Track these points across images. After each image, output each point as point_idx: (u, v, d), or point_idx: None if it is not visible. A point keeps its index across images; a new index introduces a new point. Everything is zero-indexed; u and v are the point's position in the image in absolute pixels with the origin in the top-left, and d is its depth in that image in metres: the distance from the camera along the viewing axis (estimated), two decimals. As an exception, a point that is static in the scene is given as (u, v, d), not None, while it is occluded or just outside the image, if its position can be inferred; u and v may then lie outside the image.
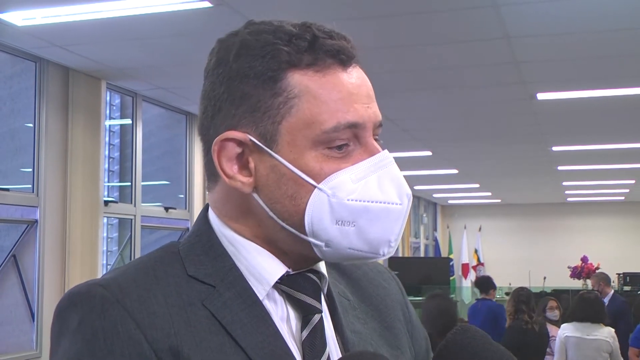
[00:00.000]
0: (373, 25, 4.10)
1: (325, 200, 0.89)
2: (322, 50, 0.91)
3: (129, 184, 6.21)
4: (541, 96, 6.03)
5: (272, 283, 0.94)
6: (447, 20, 4.19)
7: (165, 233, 7.09)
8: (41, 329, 4.92)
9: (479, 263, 17.37)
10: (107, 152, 6.27)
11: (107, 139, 6.36)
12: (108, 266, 6.80)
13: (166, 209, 6.66)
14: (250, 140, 0.91)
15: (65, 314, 0.88)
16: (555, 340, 5.95)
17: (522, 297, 6.10)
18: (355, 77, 0.93)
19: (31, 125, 5.01)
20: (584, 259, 13.19)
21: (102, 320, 0.85)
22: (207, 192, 1.02)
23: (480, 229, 17.51)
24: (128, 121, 6.35)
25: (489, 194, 15.17)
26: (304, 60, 0.90)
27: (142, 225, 6.22)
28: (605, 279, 8.81)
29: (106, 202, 5.59)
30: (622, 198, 15.46)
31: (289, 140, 0.90)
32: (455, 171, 11.07)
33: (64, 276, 5.03)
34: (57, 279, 5.01)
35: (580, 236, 16.26)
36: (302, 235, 0.91)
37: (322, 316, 0.96)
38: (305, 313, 0.95)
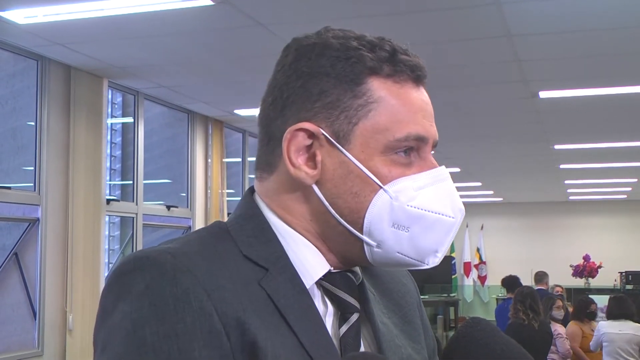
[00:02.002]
0: (373, 24, 4.10)
1: (387, 201, 0.93)
2: (402, 63, 0.96)
3: (131, 182, 6.21)
4: (543, 94, 6.02)
5: (316, 279, 0.96)
6: (449, 19, 4.18)
7: (167, 231, 7.09)
8: (43, 327, 4.92)
9: (481, 261, 17.36)
10: (109, 151, 6.27)
11: (109, 137, 6.36)
12: (110, 265, 6.80)
13: (168, 207, 6.66)
14: (323, 134, 0.94)
15: (129, 276, 0.85)
16: (562, 338, 6.57)
17: (519, 296, 6.17)
18: (424, 96, 1.00)
19: (33, 123, 5.02)
20: (586, 258, 13.19)
21: (173, 287, 0.83)
22: (255, 181, 1.03)
23: (482, 227, 17.48)
24: (130, 119, 6.35)
25: (491, 192, 15.16)
26: (384, 69, 0.95)
27: (144, 224, 6.22)
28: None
29: (108, 201, 5.59)
30: (625, 197, 15.43)
31: (362, 142, 0.93)
32: (457, 170, 11.06)
33: (65, 275, 5.03)
34: (58, 277, 5.01)
35: (583, 235, 16.23)
36: (357, 233, 0.94)
37: (359, 315, 0.98)
38: (344, 311, 0.97)
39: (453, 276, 15.61)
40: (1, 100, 5.08)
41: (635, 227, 16.25)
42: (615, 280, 13.66)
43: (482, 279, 17.35)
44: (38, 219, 4.93)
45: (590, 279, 13.05)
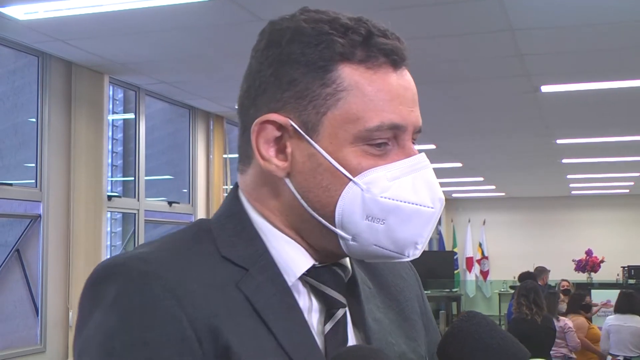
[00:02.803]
0: (375, 19, 4.07)
1: (358, 194, 0.89)
2: (376, 47, 0.91)
3: (133, 178, 6.21)
4: (545, 89, 6.00)
5: (299, 275, 0.93)
6: (450, 13, 4.17)
7: (169, 227, 7.08)
8: (45, 323, 4.92)
9: (483, 257, 17.36)
10: (110, 147, 6.27)
11: (110, 133, 6.35)
12: (112, 261, 6.77)
13: (170, 203, 6.66)
14: (292, 125, 0.91)
15: (101, 285, 0.84)
16: (572, 331, 6.78)
17: (522, 290, 6.18)
18: (404, 80, 0.93)
19: (34, 120, 5.01)
20: (589, 252, 13.18)
21: (142, 295, 0.82)
22: (238, 174, 1.01)
23: (484, 222, 17.47)
24: (131, 115, 6.34)
25: (493, 187, 15.14)
26: (357, 55, 0.90)
27: (145, 220, 6.22)
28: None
29: (110, 197, 5.59)
30: (627, 191, 15.41)
31: (330, 132, 0.90)
32: (459, 165, 11.05)
33: (67, 271, 5.03)
34: (61, 273, 5.01)
35: (585, 229, 16.22)
36: (331, 227, 0.91)
37: (346, 311, 0.96)
38: (330, 307, 0.95)
39: (455, 271, 15.60)
40: (2, 96, 5.07)
41: (638, 221, 16.23)
42: (618, 275, 13.65)
43: (485, 274, 17.35)
44: (40, 216, 4.93)
45: (592, 273, 13.04)
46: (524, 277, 8.80)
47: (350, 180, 0.89)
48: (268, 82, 0.93)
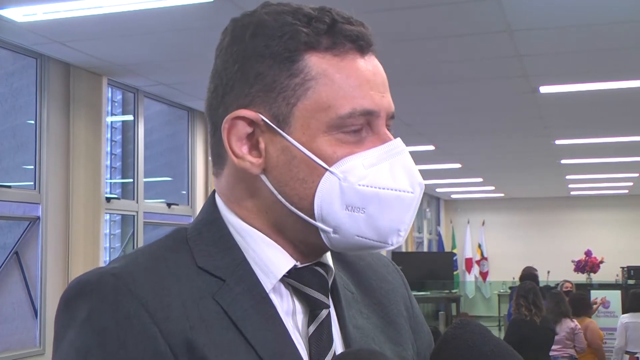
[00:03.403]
0: (373, 20, 4.06)
1: (336, 184, 0.88)
2: (342, 34, 0.90)
3: (131, 180, 6.20)
4: (544, 89, 6.00)
5: (279, 276, 0.92)
6: (449, 14, 4.17)
7: (168, 229, 7.06)
8: (44, 325, 4.92)
9: (483, 257, 17.36)
10: (109, 149, 6.26)
11: (109, 135, 6.35)
12: (111, 263, 6.77)
13: (169, 205, 6.65)
14: (262, 120, 0.89)
15: (73, 303, 0.84)
16: (580, 333, 6.73)
17: (521, 291, 6.17)
18: (372, 65, 0.92)
19: (32, 122, 5.00)
20: (588, 253, 13.17)
21: (114, 312, 0.81)
22: (213, 178, 0.99)
23: (483, 223, 17.48)
24: (130, 117, 6.34)
25: (492, 188, 15.14)
26: (322, 43, 0.89)
27: (144, 222, 6.21)
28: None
29: (108, 199, 5.58)
30: (626, 191, 15.42)
31: (302, 123, 0.88)
32: (458, 165, 11.05)
33: (66, 273, 5.03)
34: (59, 275, 5.00)
35: (584, 230, 16.22)
36: (311, 220, 0.89)
37: (329, 311, 0.94)
38: (313, 308, 0.93)
39: (455, 272, 15.60)
40: (0, 98, 5.06)
41: (637, 221, 16.24)
42: (617, 276, 13.64)
43: (484, 275, 17.35)
44: (38, 218, 4.92)
45: (592, 274, 13.03)
46: (526, 273, 8.87)
47: (327, 170, 0.88)
48: (235, 79, 0.91)
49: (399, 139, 0.93)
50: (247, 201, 0.93)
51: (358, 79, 0.89)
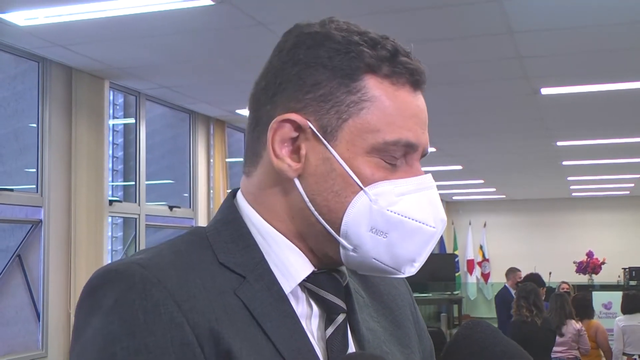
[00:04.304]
0: (375, 22, 4.08)
1: (367, 204, 0.90)
2: (402, 65, 0.93)
3: (133, 183, 6.21)
4: (545, 91, 6.01)
5: (299, 281, 0.93)
6: (450, 16, 4.17)
7: (170, 232, 7.09)
8: (47, 329, 4.92)
9: (484, 259, 17.35)
10: (111, 152, 6.27)
11: (110, 138, 6.36)
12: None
13: (170, 207, 6.66)
14: (310, 128, 0.91)
15: (100, 291, 0.84)
16: (585, 334, 6.72)
17: (522, 292, 6.18)
18: (421, 102, 0.97)
19: (35, 125, 5.02)
20: (590, 254, 13.18)
21: (143, 300, 0.81)
22: (243, 177, 1.00)
23: (485, 224, 17.48)
24: (132, 120, 6.35)
25: (494, 189, 15.14)
26: (383, 69, 0.92)
27: (146, 224, 6.22)
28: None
29: (111, 202, 5.59)
30: (628, 192, 15.41)
31: (348, 139, 0.91)
32: (459, 167, 11.05)
33: (69, 276, 5.04)
34: (62, 278, 5.01)
35: (586, 231, 16.21)
36: (335, 234, 0.92)
37: (346, 316, 0.96)
38: (330, 312, 0.95)
39: (456, 274, 15.59)
40: (3, 102, 5.07)
41: (638, 223, 16.23)
42: (619, 277, 13.63)
43: (486, 276, 17.34)
44: (41, 221, 4.93)
45: (593, 275, 13.03)
46: (528, 279, 8.80)
47: (362, 189, 0.90)
48: (290, 82, 0.93)
49: (429, 175, 0.96)
50: (276, 204, 0.95)
51: (408, 111, 0.93)
